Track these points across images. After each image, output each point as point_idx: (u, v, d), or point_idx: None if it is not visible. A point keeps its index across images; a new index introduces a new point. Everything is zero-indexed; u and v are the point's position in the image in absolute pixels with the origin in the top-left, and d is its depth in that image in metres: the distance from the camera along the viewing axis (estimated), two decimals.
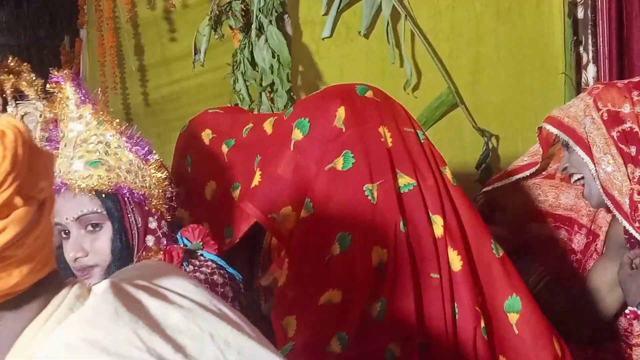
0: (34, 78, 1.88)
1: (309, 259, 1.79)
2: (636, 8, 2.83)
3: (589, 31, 2.87)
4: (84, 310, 1.00)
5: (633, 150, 2.08)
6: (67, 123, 1.84)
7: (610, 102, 2.13)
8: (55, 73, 1.84)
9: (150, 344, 0.97)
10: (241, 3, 2.75)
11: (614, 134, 2.10)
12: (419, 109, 2.84)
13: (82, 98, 1.84)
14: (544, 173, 2.40)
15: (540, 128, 2.29)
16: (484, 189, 2.39)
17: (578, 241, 2.33)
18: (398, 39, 2.82)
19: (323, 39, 2.81)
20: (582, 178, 2.20)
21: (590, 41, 2.87)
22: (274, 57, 2.68)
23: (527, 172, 2.35)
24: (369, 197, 1.78)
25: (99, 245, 1.82)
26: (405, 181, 1.84)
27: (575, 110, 2.19)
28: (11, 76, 1.90)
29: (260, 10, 2.70)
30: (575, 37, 2.89)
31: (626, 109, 2.11)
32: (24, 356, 0.97)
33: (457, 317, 1.78)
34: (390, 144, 1.86)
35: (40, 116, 1.89)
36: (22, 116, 1.94)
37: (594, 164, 2.12)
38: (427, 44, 2.82)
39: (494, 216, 2.36)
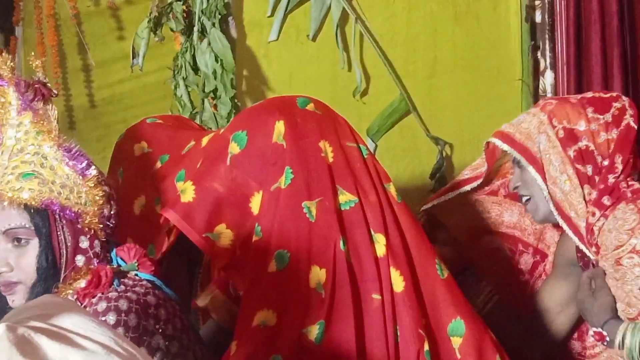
0: (10, 62, 1.87)
1: (246, 277, 1.81)
2: (595, 12, 2.86)
3: (547, 36, 2.90)
4: None
5: (589, 169, 2.11)
6: (7, 129, 1.83)
7: (565, 119, 2.15)
8: (6, 75, 1.83)
9: None
10: (182, 4, 2.74)
11: (570, 152, 2.12)
12: (371, 115, 2.86)
13: (24, 105, 1.83)
14: (486, 189, 2.41)
15: (488, 143, 2.30)
16: (424, 207, 2.38)
17: (525, 261, 2.35)
18: (348, 42, 2.83)
19: (270, 42, 2.82)
20: (530, 199, 2.22)
21: (548, 46, 2.90)
22: (217, 61, 2.68)
23: (468, 187, 2.35)
24: (307, 215, 1.80)
25: (25, 262, 1.81)
26: (346, 198, 1.85)
27: (527, 126, 2.20)
28: None
29: (202, 12, 2.70)
30: (532, 42, 2.93)
31: (581, 126, 2.13)
32: None
33: (399, 340, 1.80)
34: (331, 160, 1.87)
35: None
36: None
37: (546, 184, 2.13)
38: (379, 48, 2.84)
39: (437, 235, 2.38)
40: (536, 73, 2.96)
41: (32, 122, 1.82)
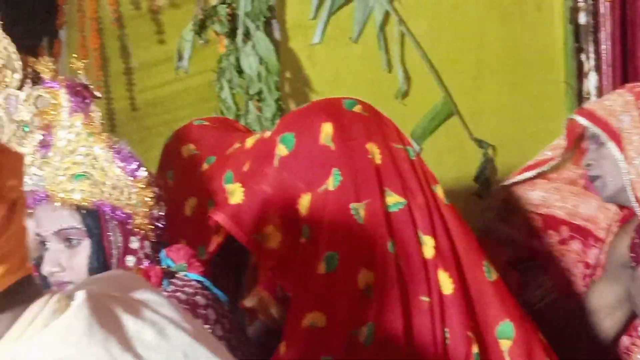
0: (52, 64, 1.92)
1: (296, 278, 1.83)
2: None
3: (591, 38, 2.89)
4: (57, 326, 1.01)
5: None
6: (57, 131, 1.86)
7: None
8: (47, 77, 1.87)
9: None
10: (227, 7, 2.77)
11: None
12: (413, 117, 2.87)
13: (75, 107, 1.86)
14: (565, 176, 2.40)
15: (569, 120, 2.29)
16: (503, 183, 2.38)
17: (593, 255, 2.33)
18: (390, 44, 2.85)
19: (313, 44, 2.84)
20: (599, 177, 2.21)
21: (592, 48, 2.89)
22: (261, 64, 2.71)
23: (547, 166, 2.35)
24: (355, 217, 1.82)
25: (76, 263, 1.84)
26: (394, 200, 1.87)
27: (611, 104, 2.20)
28: (31, 57, 1.94)
29: (247, 15, 2.73)
30: (577, 44, 2.92)
31: None
32: None
33: (448, 343, 1.81)
34: (378, 161, 1.89)
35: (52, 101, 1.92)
36: (36, 98, 1.98)
37: (627, 163, 2.13)
38: (422, 50, 2.85)
39: (509, 218, 2.38)
40: (580, 75, 2.95)
41: (83, 123, 1.85)
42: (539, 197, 2.39)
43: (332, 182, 1.84)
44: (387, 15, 2.83)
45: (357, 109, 1.96)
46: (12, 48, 2.06)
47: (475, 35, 2.89)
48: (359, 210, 1.83)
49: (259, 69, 2.71)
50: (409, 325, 1.80)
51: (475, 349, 1.81)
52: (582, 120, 2.23)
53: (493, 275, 1.90)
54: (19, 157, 1.04)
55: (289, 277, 1.87)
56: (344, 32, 2.86)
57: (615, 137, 2.15)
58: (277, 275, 1.94)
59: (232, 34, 2.80)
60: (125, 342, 1.02)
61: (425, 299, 1.82)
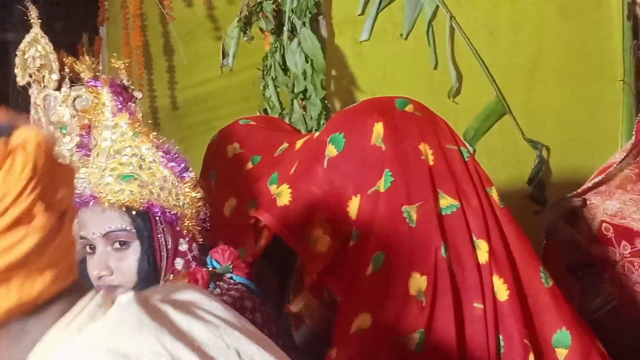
0: (93, 63, 1.92)
1: (345, 282, 1.81)
2: None
3: None
4: (106, 319, 1.05)
5: None
6: (101, 131, 1.86)
7: None
8: (88, 77, 1.87)
9: (175, 352, 1.01)
10: (272, 3, 2.76)
11: None
12: (464, 115, 2.84)
13: (119, 106, 1.86)
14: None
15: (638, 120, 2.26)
16: (578, 191, 2.35)
17: None
18: (442, 41, 2.81)
19: (361, 41, 2.82)
20: None
21: None
22: (307, 61, 2.69)
23: (615, 166, 2.32)
24: (407, 220, 1.79)
25: (126, 265, 1.83)
26: (447, 202, 1.84)
27: None
28: (71, 57, 1.95)
29: (293, 12, 2.72)
30: (635, 41, 2.87)
31: None
32: None
33: (502, 351, 1.78)
34: (431, 162, 1.87)
35: (91, 101, 1.92)
36: (75, 99, 1.99)
37: None
38: (474, 47, 2.81)
39: (576, 223, 2.34)
40: (638, 73, 2.89)
41: (128, 123, 1.85)
42: (615, 207, 2.35)
43: (383, 184, 1.82)
44: (438, 10, 2.80)
45: (410, 108, 1.93)
46: (49, 48, 2.07)
47: (532, 31, 2.83)
48: (410, 212, 1.80)
49: (305, 66, 2.69)
50: (462, 333, 1.77)
51: (531, 357, 1.77)
52: None
53: (549, 282, 1.86)
54: (69, 169, 1.08)
55: (338, 281, 1.85)
56: (394, 28, 2.83)
57: None
58: (325, 279, 1.92)
59: (277, 30, 2.79)
60: (178, 335, 1.04)
61: (479, 305, 1.78)
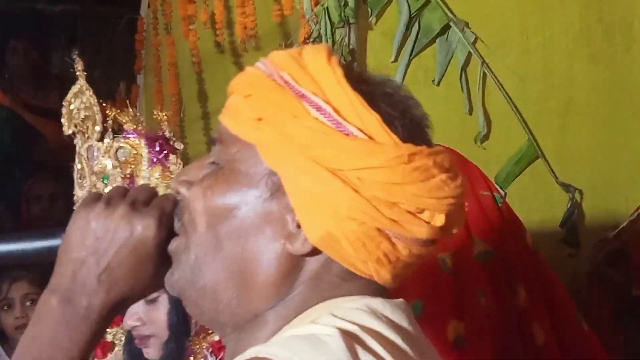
0: (137, 115, 1.98)
1: None
2: None
3: None
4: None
5: None
6: (138, 181, 1.92)
7: None
8: (129, 129, 1.93)
9: None
10: None
11: None
12: (493, 160, 2.86)
13: (154, 159, 1.91)
14: None
15: None
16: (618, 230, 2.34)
17: None
18: (474, 86, 2.85)
19: None
20: None
21: None
22: None
23: None
24: (443, 267, 1.83)
25: (156, 317, 1.89)
26: (482, 248, 1.87)
27: None
28: (115, 109, 2.01)
29: None
30: None
31: None
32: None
33: None
34: (466, 209, 1.90)
35: (131, 152, 1.98)
36: (117, 150, 2.04)
37: None
38: (505, 91, 2.85)
39: (620, 263, 2.33)
40: None
41: (161, 175, 1.91)
42: None
43: None
44: (469, 56, 2.84)
45: None
46: (94, 100, 2.14)
47: (563, 74, 2.87)
48: (446, 260, 1.84)
49: None
50: None
51: None
52: None
53: (584, 325, 1.89)
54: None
55: None
56: (426, 74, 2.87)
57: None
58: None
59: None
60: None
61: (518, 349, 1.81)
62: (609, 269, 2.34)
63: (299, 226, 1.03)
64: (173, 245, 1.10)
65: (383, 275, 1.05)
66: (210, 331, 1.90)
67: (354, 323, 0.99)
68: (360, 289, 1.06)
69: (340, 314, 1.00)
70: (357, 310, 1.02)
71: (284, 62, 1.08)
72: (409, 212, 1.02)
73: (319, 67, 1.05)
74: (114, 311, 1.11)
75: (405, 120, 1.05)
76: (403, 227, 1.02)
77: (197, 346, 1.91)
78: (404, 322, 1.06)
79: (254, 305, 1.05)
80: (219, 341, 1.87)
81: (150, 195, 1.13)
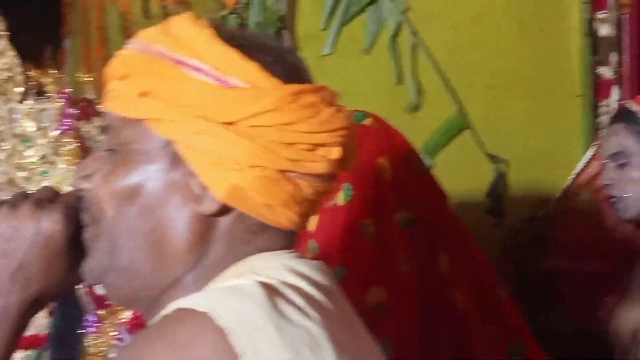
0: (60, 77, 1.94)
1: None
2: None
3: (611, 51, 2.89)
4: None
5: None
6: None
7: None
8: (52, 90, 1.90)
9: None
10: (237, 17, 2.79)
11: None
12: (426, 131, 2.88)
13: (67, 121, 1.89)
14: None
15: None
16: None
17: None
18: (403, 56, 2.86)
19: (324, 55, 2.85)
20: (618, 199, 2.22)
21: (612, 61, 2.89)
22: None
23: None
24: (366, 234, 1.83)
25: None
26: (406, 215, 1.88)
27: None
28: (37, 70, 1.97)
29: (257, 25, 2.75)
30: (595, 57, 2.92)
31: None
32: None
33: None
34: (390, 176, 1.90)
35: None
36: (39, 112, 2.01)
37: None
38: (435, 62, 2.86)
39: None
40: (597, 89, 2.95)
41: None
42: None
43: (342, 197, 1.85)
44: (400, 26, 2.84)
45: (368, 121, 1.97)
46: (16, 60, 2.10)
47: (493, 46, 2.89)
48: (369, 226, 1.84)
49: None
50: (425, 342, 1.81)
51: None
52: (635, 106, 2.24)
53: (504, 294, 1.91)
54: None
55: None
56: (356, 43, 2.87)
57: None
58: None
59: None
60: None
61: (440, 315, 1.83)
62: (519, 246, 2.38)
63: (204, 188, 1.05)
64: (85, 236, 1.12)
65: (291, 217, 1.07)
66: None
67: (274, 278, 1.02)
68: (272, 239, 1.08)
69: (261, 272, 1.03)
70: (277, 269, 1.05)
71: (154, 36, 1.09)
72: (305, 150, 1.05)
73: (189, 33, 1.07)
74: (34, 307, 1.14)
75: (283, 65, 1.08)
76: (302, 165, 1.05)
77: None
78: (324, 281, 1.09)
79: (173, 271, 1.07)
80: (138, 317, 1.85)
81: (53, 194, 1.16)
